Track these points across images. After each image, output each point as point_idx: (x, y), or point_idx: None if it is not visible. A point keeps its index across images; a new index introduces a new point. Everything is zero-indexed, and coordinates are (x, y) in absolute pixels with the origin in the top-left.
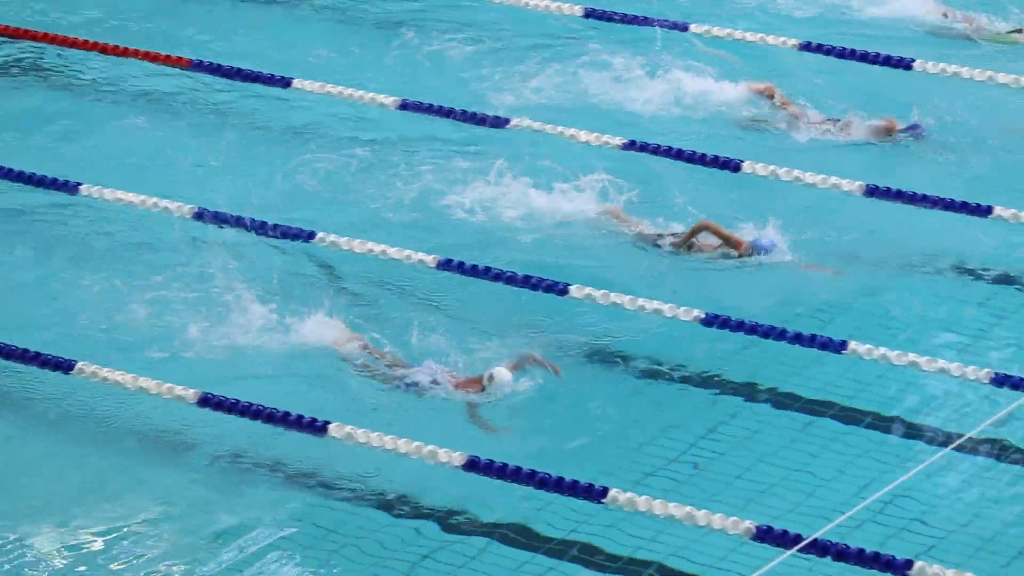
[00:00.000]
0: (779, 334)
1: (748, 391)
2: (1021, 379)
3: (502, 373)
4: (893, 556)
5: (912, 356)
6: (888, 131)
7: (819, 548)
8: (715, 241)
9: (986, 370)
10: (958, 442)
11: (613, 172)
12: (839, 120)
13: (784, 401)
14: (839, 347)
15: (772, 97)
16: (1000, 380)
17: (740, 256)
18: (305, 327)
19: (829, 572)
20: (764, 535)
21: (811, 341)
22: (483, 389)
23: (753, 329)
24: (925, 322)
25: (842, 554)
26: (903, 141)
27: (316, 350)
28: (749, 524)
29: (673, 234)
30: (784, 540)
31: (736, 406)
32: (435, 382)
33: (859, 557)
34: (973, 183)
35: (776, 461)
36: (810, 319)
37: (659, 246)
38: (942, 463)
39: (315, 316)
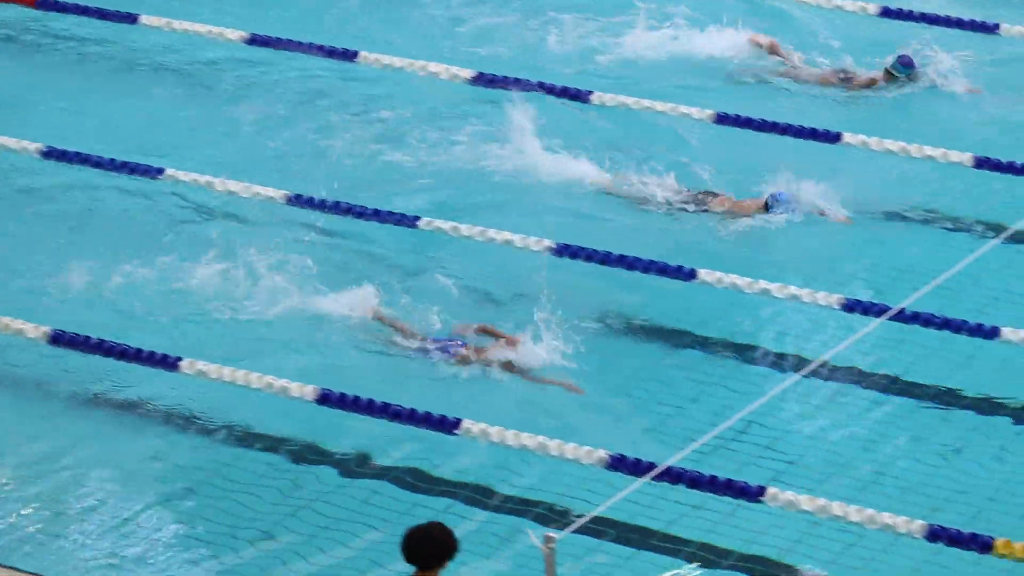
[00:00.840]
0: (629, 264)
1: (600, 321)
2: (872, 304)
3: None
4: (746, 482)
5: (763, 283)
6: (887, 79)
7: (672, 475)
8: (728, 201)
9: (837, 296)
10: (809, 368)
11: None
12: (839, 71)
13: (637, 330)
14: (689, 275)
15: (775, 52)
16: (851, 306)
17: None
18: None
19: (683, 499)
20: (618, 464)
21: (662, 271)
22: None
23: (604, 259)
24: (776, 249)
25: (695, 481)
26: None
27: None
28: (602, 453)
29: (700, 192)
30: (637, 468)
31: (589, 336)
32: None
33: (712, 484)
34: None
35: (629, 390)
36: (660, 249)
37: (672, 205)
38: (794, 389)
39: (202, 260)
